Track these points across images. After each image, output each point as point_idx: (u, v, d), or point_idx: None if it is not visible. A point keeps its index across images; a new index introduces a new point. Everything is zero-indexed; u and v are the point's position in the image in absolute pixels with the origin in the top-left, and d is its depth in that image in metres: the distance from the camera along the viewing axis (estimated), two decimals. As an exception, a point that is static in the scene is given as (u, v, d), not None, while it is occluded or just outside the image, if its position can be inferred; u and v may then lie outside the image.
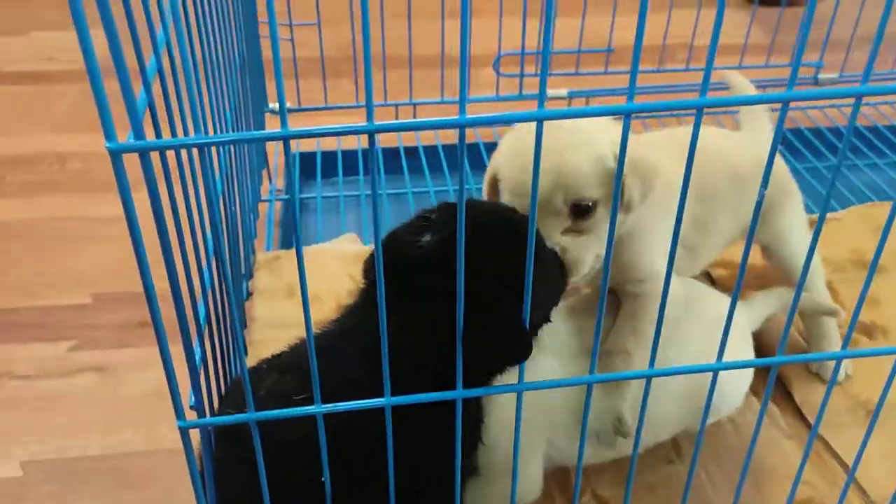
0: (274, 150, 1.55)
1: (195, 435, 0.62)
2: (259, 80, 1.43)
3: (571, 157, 0.73)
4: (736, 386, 0.88)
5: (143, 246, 0.48)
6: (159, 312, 0.52)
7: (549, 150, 0.73)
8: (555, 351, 0.81)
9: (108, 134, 0.44)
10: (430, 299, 0.66)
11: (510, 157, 0.78)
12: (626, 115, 0.49)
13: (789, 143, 1.58)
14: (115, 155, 0.46)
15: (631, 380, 0.79)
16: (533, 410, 0.75)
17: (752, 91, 1.09)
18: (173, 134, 0.59)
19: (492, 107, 1.60)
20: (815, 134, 1.60)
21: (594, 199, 0.74)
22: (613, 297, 0.85)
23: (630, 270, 0.82)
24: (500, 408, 0.77)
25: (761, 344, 0.96)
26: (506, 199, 0.78)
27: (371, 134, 0.46)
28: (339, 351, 0.69)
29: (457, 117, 0.47)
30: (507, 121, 0.50)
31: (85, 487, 1.01)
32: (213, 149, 0.86)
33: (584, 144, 0.74)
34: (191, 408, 0.62)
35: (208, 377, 0.70)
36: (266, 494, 0.60)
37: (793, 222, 1.00)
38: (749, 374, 0.89)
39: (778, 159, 1.01)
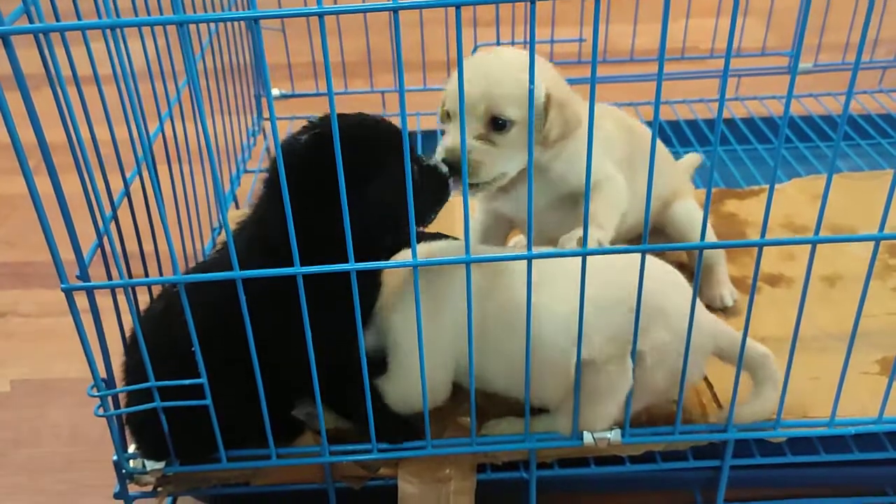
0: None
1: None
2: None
3: (503, 77, 0.85)
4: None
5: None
6: (34, 184, 0.66)
7: (486, 70, 0.87)
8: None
9: None
10: (302, 190, 0.73)
11: (454, 78, 0.88)
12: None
13: (760, 130, 1.65)
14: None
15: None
16: (445, 328, 0.84)
17: None
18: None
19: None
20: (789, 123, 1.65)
21: (511, 118, 0.85)
22: None
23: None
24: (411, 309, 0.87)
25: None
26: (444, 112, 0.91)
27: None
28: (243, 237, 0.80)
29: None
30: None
31: (59, 401, 1.17)
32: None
33: (516, 71, 0.85)
34: (77, 277, 0.76)
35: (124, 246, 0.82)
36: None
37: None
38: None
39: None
